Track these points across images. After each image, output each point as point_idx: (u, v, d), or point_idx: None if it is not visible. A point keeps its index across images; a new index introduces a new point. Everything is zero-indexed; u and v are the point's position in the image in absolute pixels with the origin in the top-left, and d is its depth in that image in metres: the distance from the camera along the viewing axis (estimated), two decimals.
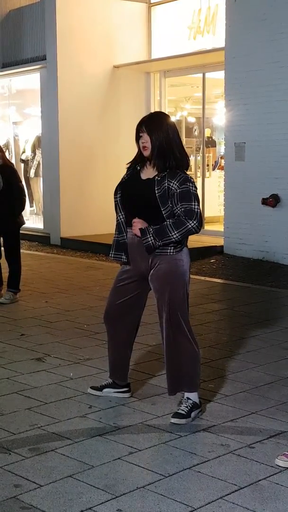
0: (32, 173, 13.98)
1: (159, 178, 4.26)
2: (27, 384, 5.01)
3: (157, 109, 13.23)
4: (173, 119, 15.27)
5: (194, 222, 4.19)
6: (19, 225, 7.86)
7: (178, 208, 4.21)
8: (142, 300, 4.58)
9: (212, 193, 12.85)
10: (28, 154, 14.07)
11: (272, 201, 10.35)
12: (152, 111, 13.07)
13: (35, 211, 14.35)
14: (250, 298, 8.05)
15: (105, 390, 4.76)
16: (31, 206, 14.32)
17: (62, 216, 12.68)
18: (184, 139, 14.00)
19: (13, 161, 13.64)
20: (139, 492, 3.43)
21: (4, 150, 13.57)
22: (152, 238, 4.21)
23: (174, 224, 4.20)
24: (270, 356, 5.75)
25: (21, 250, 8.15)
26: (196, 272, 9.55)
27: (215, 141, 14.51)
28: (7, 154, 13.69)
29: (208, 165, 13.45)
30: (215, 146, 14.46)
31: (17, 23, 14.01)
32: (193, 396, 4.43)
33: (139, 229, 4.25)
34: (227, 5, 10.91)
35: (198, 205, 4.25)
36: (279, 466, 3.70)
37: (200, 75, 12.55)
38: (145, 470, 3.67)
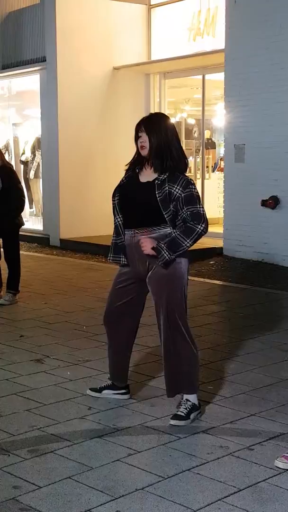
0: (31, 174, 13.98)
1: (159, 182, 4.26)
2: (26, 386, 5.01)
3: (157, 111, 13.24)
4: (172, 120, 15.29)
5: (202, 225, 4.24)
6: (19, 226, 7.86)
7: (184, 212, 4.23)
8: (141, 302, 4.58)
9: (212, 194, 12.86)
10: (27, 155, 14.08)
11: (272, 202, 10.35)
12: (152, 112, 13.09)
13: (35, 213, 14.35)
14: (249, 300, 8.05)
15: (104, 391, 4.75)
16: (30, 208, 14.32)
17: (61, 217, 12.68)
18: (183, 141, 14.02)
19: (12, 162, 13.66)
20: (138, 493, 3.43)
21: (4, 151, 13.64)
22: (167, 253, 4.21)
23: (184, 233, 4.23)
24: (270, 358, 5.75)
25: (21, 252, 8.15)
26: (196, 273, 9.55)
27: (215, 143, 14.53)
28: (6, 155, 13.73)
29: (207, 167, 13.46)
30: (215, 148, 14.48)
31: (17, 25, 14.02)
32: (192, 398, 4.43)
33: (152, 248, 4.23)
34: (227, 6, 10.92)
35: (202, 207, 4.30)
36: (279, 468, 3.70)
37: (200, 76, 12.57)
38: (144, 472, 3.66)
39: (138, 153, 4.39)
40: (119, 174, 4.52)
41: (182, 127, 14.26)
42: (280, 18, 10.14)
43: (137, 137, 4.36)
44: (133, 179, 4.41)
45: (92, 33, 12.62)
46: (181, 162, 4.35)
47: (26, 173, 14.13)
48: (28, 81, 13.95)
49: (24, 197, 7.94)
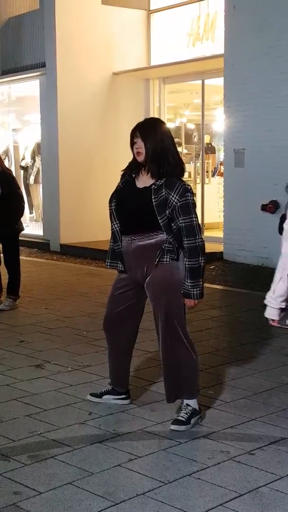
0: (31, 179, 14.00)
1: (155, 187, 4.25)
2: (26, 391, 5.00)
3: (156, 116, 13.25)
4: (172, 125, 15.15)
5: (197, 237, 4.23)
6: (19, 232, 7.87)
7: (180, 222, 4.22)
8: (140, 307, 4.57)
9: (212, 199, 12.87)
10: (27, 160, 14.09)
11: (272, 207, 10.36)
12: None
13: (35, 218, 14.36)
14: (249, 304, 8.04)
15: (105, 396, 4.75)
16: (30, 213, 14.33)
17: (61, 222, 12.69)
18: (183, 146, 14.04)
19: (12, 168, 13.67)
20: (139, 499, 3.42)
21: (4, 157, 13.67)
22: (196, 290, 4.25)
23: (190, 256, 4.23)
24: (270, 362, 5.74)
25: (21, 257, 8.16)
26: None
27: (215, 148, 14.53)
28: (6, 161, 13.74)
29: (207, 172, 13.47)
30: (215, 153, 14.48)
31: (16, 30, 14.05)
32: (193, 403, 4.42)
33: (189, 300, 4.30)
34: (226, 11, 10.94)
35: (196, 215, 4.28)
36: None
37: (199, 81, 12.59)
38: (145, 477, 3.66)
39: (134, 158, 4.39)
40: (119, 179, 4.52)
41: (182, 132, 14.28)
42: (279, 23, 10.16)
43: (132, 143, 4.36)
44: (130, 184, 4.40)
45: (91, 39, 12.65)
46: (178, 167, 4.33)
47: (26, 178, 14.14)
48: (28, 87, 13.98)
49: (23, 202, 7.96)
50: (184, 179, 4.40)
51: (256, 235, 10.68)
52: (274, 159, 10.35)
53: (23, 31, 13.88)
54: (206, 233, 11.98)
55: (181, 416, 4.34)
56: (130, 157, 4.51)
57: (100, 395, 4.76)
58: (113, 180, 4.46)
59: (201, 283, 4.26)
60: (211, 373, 5.43)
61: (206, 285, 9.13)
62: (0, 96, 14.88)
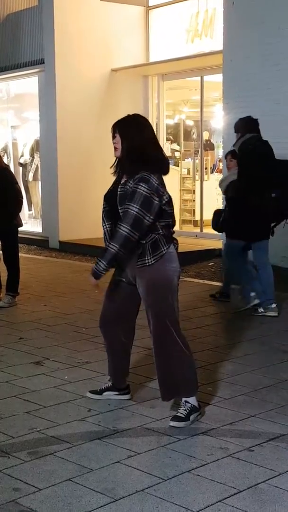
0: (30, 176, 13.99)
1: (126, 179, 4.23)
2: (26, 388, 5.01)
3: (155, 112, 13.27)
4: (171, 122, 15.04)
5: (125, 226, 4.08)
6: (17, 227, 7.86)
7: (124, 207, 4.15)
8: (135, 305, 4.55)
9: (211, 196, 12.85)
10: (26, 158, 14.08)
11: None
12: (150, 114, 13.12)
13: (34, 215, 14.35)
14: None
15: (104, 393, 4.75)
16: (29, 210, 14.33)
17: (60, 219, 12.68)
18: (182, 142, 14.03)
19: (11, 165, 13.65)
20: (138, 495, 3.43)
21: (3, 154, 13.66)
22: (95, 266, 4.26)
23: (112, 238, 4.18)
24: (269, 359, 5.75)
25: (20, 254, 8.15)
26: (195, 275, 9.55)
27: (213, 144, 14.53)
28: (5, 158, 13.73)
29: (206, 168, 13.46)
30: (213, 149, 14.48)
31: (15, 27, 14.03)
32: (192, 400, 4.42)
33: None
34: (224, 8, 10.92)
35: (141, 207, 4.07)
36: None
37: (198, 78, 12.58)
38: (144, 474, 3.66)
39: None
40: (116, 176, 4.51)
41: (181, 128, 14.27)
42: (278, 19, 10.14)
43: (113, 138, 4.32)
44: (117, 184, 4.37)
45: (90, 35, 12.63)
46: (158, 164, 4.22)
47: (25, 175, 14.14)
48: (26, 84, 13.97)
49: (21, 197, 7.94)
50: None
51: None
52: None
53: (21, 28, 13.86)
54: (205, 230, 11.98)
55: (180, 413, 4.34)
56: None
57: (100, 392, 4.77)
58: (112, 177, 4.45)
59: (103, 265, 4.22)
60: (210, 369, 5.43)
61: (205, 282, 9.19)
62: None
